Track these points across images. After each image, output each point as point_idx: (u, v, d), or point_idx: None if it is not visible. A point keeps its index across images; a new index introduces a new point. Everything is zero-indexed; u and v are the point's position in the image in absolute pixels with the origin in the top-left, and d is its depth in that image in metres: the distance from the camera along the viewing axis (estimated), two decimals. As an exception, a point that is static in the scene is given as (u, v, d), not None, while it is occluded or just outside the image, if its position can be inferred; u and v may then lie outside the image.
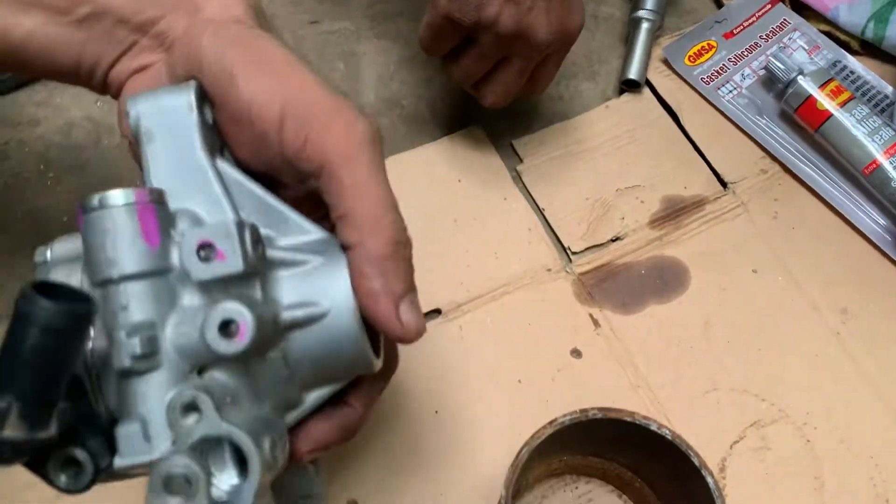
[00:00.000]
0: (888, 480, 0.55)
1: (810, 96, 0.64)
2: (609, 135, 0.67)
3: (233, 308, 0.32)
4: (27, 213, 0.64)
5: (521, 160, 0.66)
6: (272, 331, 0.34)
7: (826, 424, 0.57)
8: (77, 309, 0.28)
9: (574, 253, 0.62)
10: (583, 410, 0.45)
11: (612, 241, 0.63)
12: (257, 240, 0.35)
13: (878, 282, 0.62)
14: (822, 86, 0.64)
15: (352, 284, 0.35)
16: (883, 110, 0.65)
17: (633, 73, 0.68)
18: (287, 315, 0.35)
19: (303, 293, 0.35)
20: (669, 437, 0.45)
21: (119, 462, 0.32)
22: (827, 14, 0.70)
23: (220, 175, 0.37)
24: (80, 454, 0.32)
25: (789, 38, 0.70)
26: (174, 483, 0.31)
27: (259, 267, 0.34)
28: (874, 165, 0.62)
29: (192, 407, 0.31)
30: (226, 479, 0.32)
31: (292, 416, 0.37)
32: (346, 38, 0.72)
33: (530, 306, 0.60)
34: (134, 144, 0.39)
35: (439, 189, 0.65)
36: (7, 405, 0.27)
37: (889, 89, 0.67)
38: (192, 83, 0.37)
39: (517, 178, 0.65)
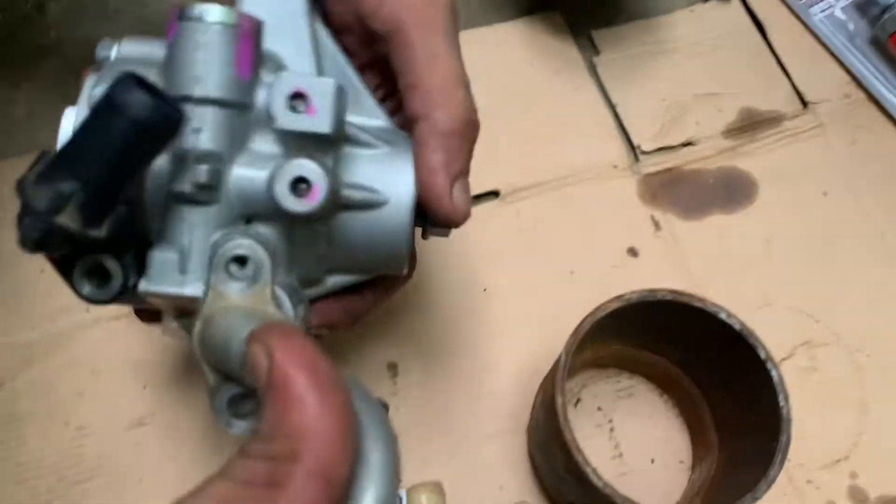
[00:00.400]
0: (934, 415, 0.54)
1: (909, 22, 0.61)
2: (692, 39, 0.65)
3: (312, 167, 0.30)
4: (84, 40, 0.62)
5: (598, 52, 0.64)
6: (332, 203, 0.31)
7: (879, 353, 0.56)
8: (172, 113, 0.26)
9: (643, 152, 0.60)
10: (652, 290, 0.44)
11: (684, 145, 0.61)
12: (343, 108, 0.32)
13: (950, 220, 0.60)
14: (923, 13, 0.61)
15: (413, 156, 0.34)
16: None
17: (724, -21, 0.65)
18: (346, 193, 0.32)
19: (366, 177, 0.33)
20: (738, 328, 0.43)
21: (145, 286, 0.30)
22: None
23: (314, 31, 0.35)
24: (111, 265, 0.30)
25: (891, -36, 0.67)
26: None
27: (339, 137, 0.32)
28: (965, 101, 0.59)
29: (241, 259, 0.30)
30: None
31: (308, 293, 0.35)
32: None
33: (591, 200, 0.59)
34: None
35: (510, 70, 0.62)
36: (71, 191, 0.25)
37: None
38: None
39: (592, 70, 0.63)
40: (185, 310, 0.32)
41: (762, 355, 0.43)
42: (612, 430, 0.53)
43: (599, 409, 0.53)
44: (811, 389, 0.55)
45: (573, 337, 0.43)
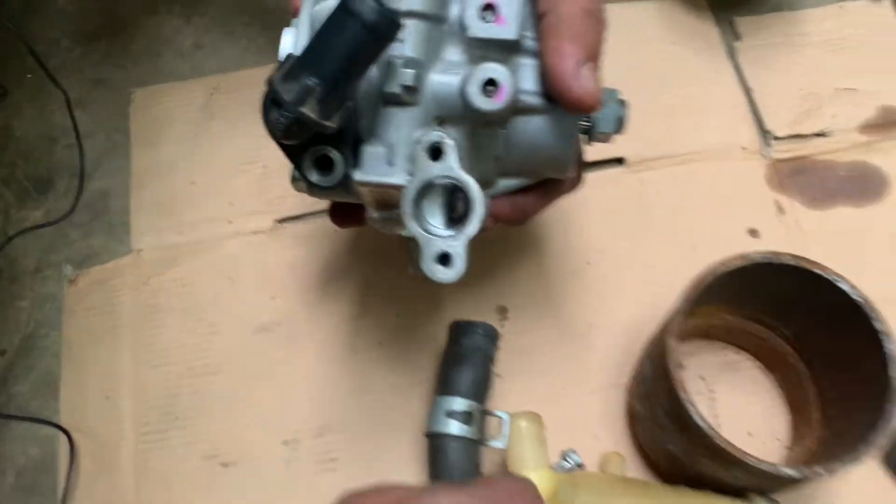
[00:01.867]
0: None
1: None
2: (836, 34, 0.65)
3: (499, 70, 0.34)
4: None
5: (738, 37, 0.64)
6: (513, 107, 0.35)
7: None
8: (393, 17, 0.30)
9: (775, 138, 0.60)
10: (776, 253, 0.44)
11: (817, 135, 0.61)
12: (526, 19, 0.36)
13: None
14: None
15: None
16: None
17: (878, -23, 0.64)
18: (524, 98, 0.36)
19: (537, 84, 0.36)
20: (858, 299, 0.43)
21: (360, 175, 0.35)
22: None
23: None
24: (335, 156, 0.35)
25: None
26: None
27: (520, 44, 0.36)
28: None
29: (436, 149, 0.34)
30: (434, 223, 0.34)
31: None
32: None
33: (716, 178, 0.59)
34: None
35: (650, 47, 0.64)
36: (313, 86, 0.30)
37: None
38: None
39: (731, 54, 0.64)
40: (386, 202, 0.37)
41: (878, 327, 0.43)
42: (713, 399, 0.53)
43: (702, 378, 0.54)
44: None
45: (693, 286, 0.44)
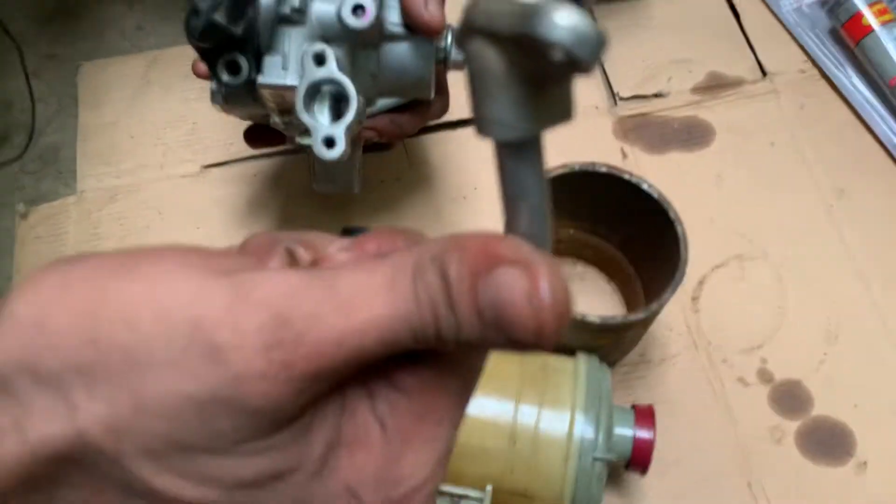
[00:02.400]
0: (841, 324, 0.64)
1: (858, 11, 0.73)
2: (674, 17, 0.78)
3: None
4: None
5: (594, 19, 0.77)
6: (378, 30, 0.47)
7: (800, 271, 0.66)
8: None
9: (621, 98, 0.73)
10: (592, 163, 0.56)
11: (656, 96, 0.73)
12: None
13: (878, 178, 0.70)
14: (871, 5, 0.73)
15: None
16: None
17: (708, -28, 0.78)
18: (389, 27, 0.48)
19: (400, 18, 0.48)
20: (655, 196, 0.55)
21: (262, 79, 0.46)
22: (894, -44, 0.79)
23: None
24: (241, 59, 0.46)
25: (856, -28, 0.79)
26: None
27: None
28: (898, 79, 0.70)
29: (319, 57, 0.45)
30: (322, 118, 0.45)
31: (364, 112, 0.50)
32: None
33: (574, 131, 0.71)
34: None
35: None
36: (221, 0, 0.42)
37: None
38: None
39: (588, 34, 0.76)
40: (285, 107, 0.48)
41: (671, 215, 0.54)
42: (564, 303, 0.64)
43: (556, 286, 0.65)
44: (738, 293, 0.65)
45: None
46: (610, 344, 0.56)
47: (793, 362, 0.63)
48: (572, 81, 0.22)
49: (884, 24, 0.72)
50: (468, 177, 0.69)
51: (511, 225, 0.24)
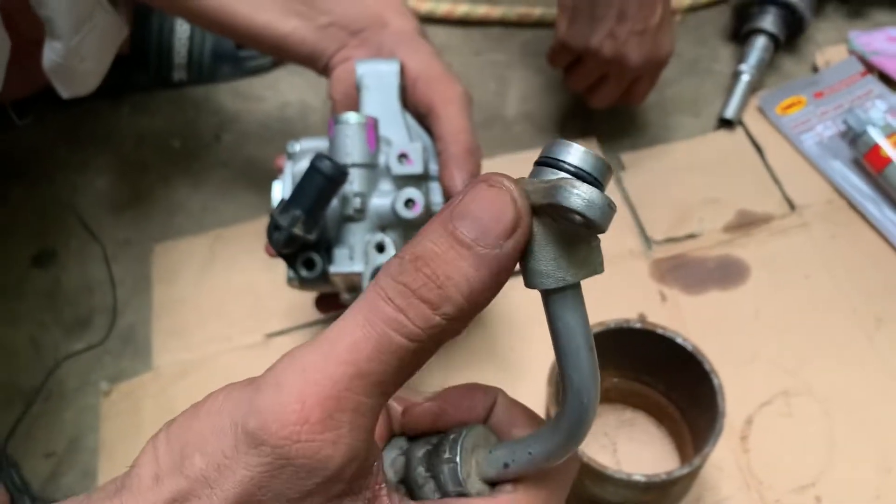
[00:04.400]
0: (893, 455, 0.64)
1: (876, 144, 0.76)
2: (701, 159, 0.82)
3: (414, 192, 0.55)
4: (245, 159, 0.86)
5: (624, 168, 0.82)
6: (427, 213, 0.56)
7: (846, 403, 0.67)
8: (343, 170, 0.52)
9: (655, 242, 0.77)
10: (626, 319, 0.59)
11: (689, 237, 0.77)
12: (427, 159, 0.58)
13: (918, 303, 0.72)
14: (888, 136, 0.76)
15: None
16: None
17: (729, 113, 0.83)
18: (433, 208, 0.57)
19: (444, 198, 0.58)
20: (690, 349, 0.58)
21: (333, 269, 0.56)
22: (908, 85, 0.82)
23: (404, 118, 0.60)
24: (315, 257, 0.56)
25: (871, 103, 0.83)
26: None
27: (427, 175, 0.58)
28: (925, 205, 0.73)
29: (381, 246, 0.55)
30: None
31: None
32: (501, 66, 0.92)
33: (611, 277, 0.75)
34: (341, 104, 0.64)
35: (554, 180, 0.81)
36: (299, 214, 0.52)
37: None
38: (398, 59, 0.59)
39: (619, 182, 0.81)
40: (353, 286, 0.58)
41: (706, 367, 0.57)
42: (615, 450, 0.66)
43: (605, 434, 0.67)
44: (786, 430, 0.66)
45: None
46: (656, 499, 0.58)
47: (847, 499, 0.63)
48: (598, 241, 0.28)
49: (903, 153, 0.75)
50: (511, 328, 0.73)
51: (562, 363, 0.28)
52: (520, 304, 0.73)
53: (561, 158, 0.27)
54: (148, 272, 0.79)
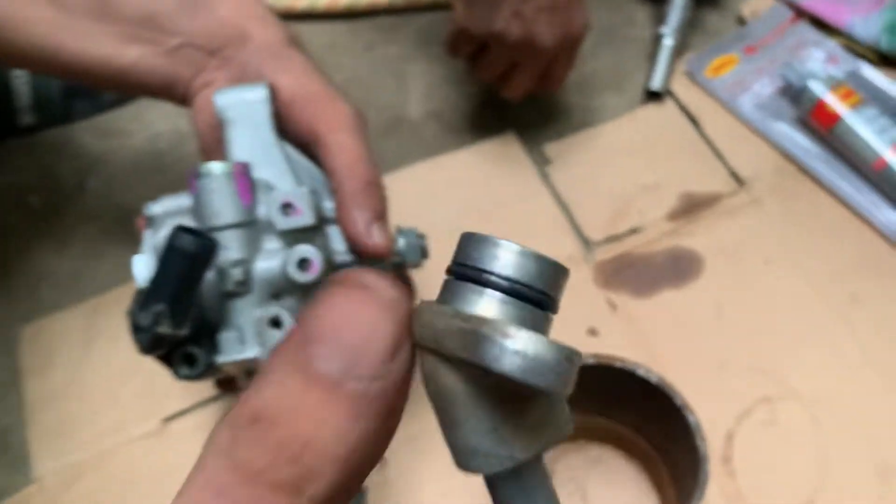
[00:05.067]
0: (890, 456, 0.57)
1: (820, 100, 0.68)
2: (631, 140, 0.73)
3: (309, 249, 0.43)
4: (116, 208, 0.74)
5: (549, 162, 0.72)
6: (329, 269, 0.44)
7: (832, 402, 0.59)
8: (209, 243, 0.39)
9: (594, 243, 0.68)
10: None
11: (631, 232, 0.68)
12: (319, 201, 0.46)
13: (890, 273, 0.65)
14: (833, 90, 0.68)
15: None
16: (894, 112, 0.69)
17: (655, 84, 0.74)
18: (339, 258, 0.46)
19: (345, 243, 0.46)
20: (654, 381, 0.49)
21: (221, 358, 0.44)
22: (843, 28, 0.74)
23: (284, 152, 0.48)
24: (196, 352, 0.44)
25: (807, 53, 0.75)
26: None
27: (320, 223, 0.46)
28: (882, 163, 0.65)
29: (275, 321, 0.43)
30: None
31: None
32: (397, 60, 0.81)
33: (553, 290, 0.66)
34: (206, 136, 0.52)
35: (473, 186, 0.71)
36: (162, 309, 0.39)
37: (902, 94, 0.70)
38: (265, 82, 0.48)
39: (545, 178, 0.72)
40: (249, 370, 0.46)
41: (678, 402, 0.48)
42: (584, 496, 0.58)
43: (572, 479, 0.58)
44: (772, 441, 0.58)
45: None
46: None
47: (851, 512, 0.56)
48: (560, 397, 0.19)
49: (852, 107, 0.67)
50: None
51: None
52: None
53: (485, 268, 0.19)
54: (15, 362, 0.67)
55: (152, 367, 0.65)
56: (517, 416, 0.18)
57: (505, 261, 0.19)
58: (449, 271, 0.20)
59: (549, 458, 0.59)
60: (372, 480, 0.58)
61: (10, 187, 0.76)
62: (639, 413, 0.54)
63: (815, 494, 0.56)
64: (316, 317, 0.18)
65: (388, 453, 0.61)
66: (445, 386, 0.19)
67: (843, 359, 0.61)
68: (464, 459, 0.19)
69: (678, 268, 0.66)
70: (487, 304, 0.19)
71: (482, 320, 0.17)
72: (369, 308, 0.18)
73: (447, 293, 0.19)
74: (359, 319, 0.18)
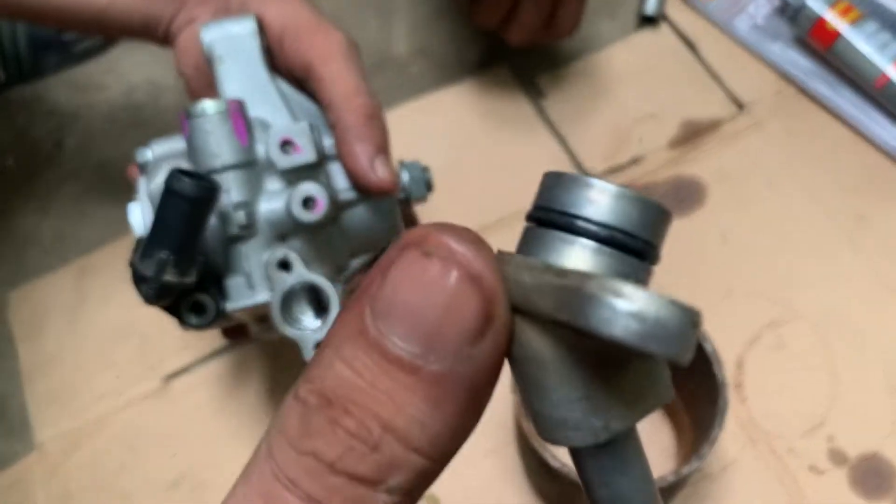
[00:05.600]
0: (904, 372, 0.57)
1: (820, 17, 0.66)
2: (627, 67, 0.71)
3: (312, 187, 0.41)
4: (97, 165, 0.71)
5: (544, 96, 0.70)
6: (334, 208, 0.42)
7: (841, 323, 0.59)
8: (210, 186, 0.37)
9: (595, 174, 0.66)
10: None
11: (632, 162, 0.66)
12: (320, 137, 0.44)
13: (894, 189, 0.64)
14: (832, 6, 0.66)
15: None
16: (894, 26, 0.67)
17: (649, 9, 0.71)
18: (342, 196, 0.44)
19: (353, 183, 0.44)
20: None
21: (230, 305, 0.42)
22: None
23: (278, 87, 0.46)
24: (205, 299, 0.42)
25: (804, -32, 0.73)
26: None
27: (322, 159, 0.43)
28: (885, 79, 0.64)
29: (284, 263, 0.41)
30: (305, 321, 0.42)
31: (342, 277, 0.46)
32: (380, -4, 0.78)
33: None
34: (193, 77, 0.50)
35: (466, 124, 0.69)
36: (166, 257, 0.37)
37: (902, 7, 0.69)
38: (252, 14, 0.45)
39: (541, 112, 0.69)
40: (262, 315, 0.45)
41: (708, 349, 0.47)
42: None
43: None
44: (782, 365, 0.58)
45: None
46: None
47: (863, 431, 0.56)
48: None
49: (852, 23, 0.65)
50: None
51: None
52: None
53: (577, 213, 0.17)
54: (7, 329, 0.65)
55: (147, 327, 0.63)
56: (614, 383, 0.16)
57: (600, 204, 0.16)
58: (530, 217, 0.18)
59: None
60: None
61: (-17, 149, 0.73)
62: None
63: (827, 415, 0.56)
64: (388, 286, 0.16)
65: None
66: (532, 349, 0.16)
67: (849, 279, 0.61)
68: (550, 431, 0.17)
69: (682, 196, 0.65)
70: (581, 255, 0.16)
71: (583, 275, 0.15)
72: (450, 280, 0.16)
73: (530, 243, 0.17)
74: (438, 293, 0.16)
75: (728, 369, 0.58)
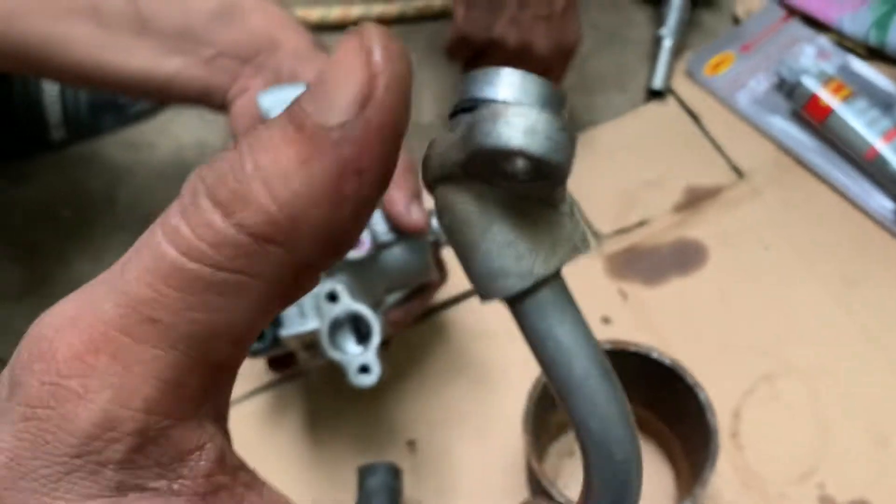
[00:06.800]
0: (887, 423, 0.61)
1: (814, 94, 0.72)
2: (636, 136, 0.77)
3: None
4: (146, 216, 0.78)
5: (558, 161, 0.76)
6: (374, 247, 0.51)
7: (831, 377, 0.63)
8: None
9: (604, 236, 0.71)
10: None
11: (638, 225, 0.72)
12: None
13: (884, 257, 0.69)
14: (825, 84, 0.72)
15: None
16: (888, 105, 0.73)
17: (657, 83, 0.78)
18: (382, 238, 0.52)
19: (391, 226, 0.52)
20: (668, 363, 0.53)
21: (284, 332, 0.49)
22: (833, 25, 0.78)
23: None
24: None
25: (800, 49, 0.79)
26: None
27: None
28: (874, 152, 0.69)
29: (332, 295, 0.48)
30: (349, 347, 0.48)
31: (378, 311, 0.52)
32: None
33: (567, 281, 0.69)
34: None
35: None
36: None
37: (890, 86, 0.74)
38: (305, 83, 0.52)
39: (554, 176, 0.75)
40: (309, 343, 0.51)
41: (689, 382, 0.52)
42: (603, 473, 0.61)
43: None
44: (776, 416, 0.62)
45: (535, 385, 0.53)
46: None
47: (851, 478, 0.60)
48: (568, 203, 0.20)
49: (843, 100, 0.71)
50: (490, 351, 0.67)
51: (567, 404, 0.20)
52: (489, 308, 0.67)
53: (482, 96, 0.18)
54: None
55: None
56: (530, 231, 0.18)
57: (501, 83, 0.18)
58: (451, 115, 0.19)
59: (570, 440, 0.63)
60: (404, 464, 0.62)
61: (42, 202, 0.80)
62: (653, 393, 0.58)
63: (818, 463, 0.60)
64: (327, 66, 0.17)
65: (418, 437, 0.65)
66: (458, 212, 0.18)
67: (839, 336, 0.65)
68: (485, 286, 0.19)
69: (684, 257, 0.70)
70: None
71: (473, 116, 0.17)
72: (349, 52, 0.17)
73: (449, 129, 0.19)
74: (339, 64, 0.17)
75: (725, 418, 0.62)
